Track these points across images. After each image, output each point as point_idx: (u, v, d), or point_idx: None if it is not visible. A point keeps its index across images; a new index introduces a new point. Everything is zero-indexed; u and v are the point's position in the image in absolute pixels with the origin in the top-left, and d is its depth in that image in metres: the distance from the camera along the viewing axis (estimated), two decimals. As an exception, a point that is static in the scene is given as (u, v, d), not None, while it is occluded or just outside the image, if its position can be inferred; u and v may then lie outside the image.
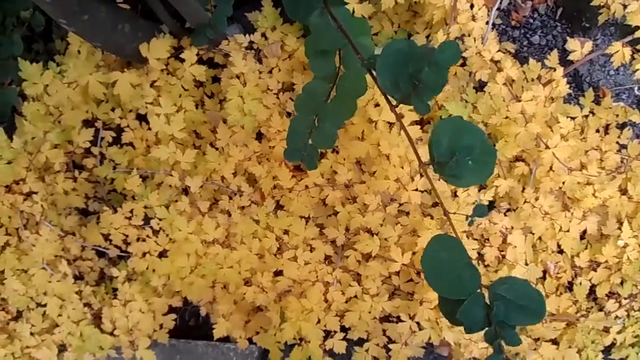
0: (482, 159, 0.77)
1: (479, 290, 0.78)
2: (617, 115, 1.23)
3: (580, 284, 1.19)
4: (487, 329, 0.77)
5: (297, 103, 0.91)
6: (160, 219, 1.21)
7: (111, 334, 1.27)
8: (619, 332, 1.19)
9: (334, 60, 0.87)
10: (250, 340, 1.24)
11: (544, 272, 1.20)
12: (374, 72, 0.78)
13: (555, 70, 1.17)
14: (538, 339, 1.17)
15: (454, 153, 0.76)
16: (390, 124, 1.14)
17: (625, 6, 1.15)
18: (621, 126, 1.25)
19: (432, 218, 1.14)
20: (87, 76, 1.21)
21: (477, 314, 0.77)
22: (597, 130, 1.21)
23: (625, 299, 1.20)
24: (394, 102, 0.80)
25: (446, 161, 0.76)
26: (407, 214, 1.17)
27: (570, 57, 1.21)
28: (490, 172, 0.80)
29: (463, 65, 1.23)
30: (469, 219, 0.87)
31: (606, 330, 1.19)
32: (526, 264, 1.16)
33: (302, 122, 0.91)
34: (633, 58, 1.16)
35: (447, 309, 0.80)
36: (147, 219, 1.23)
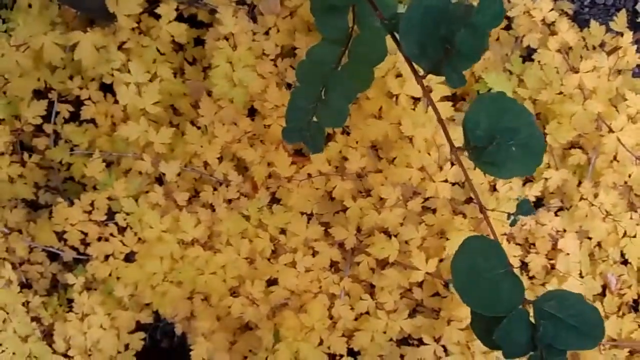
0: (528, 144, 0.79)
1: (521, 306, 0.79)
2: (700, 94, 1.25)
3: (649, 302, 1.22)
4: (531, 353, 0.79)
5: (299, 71, 0.94)
6: (127, 214, 1.24)
7: (65, 354, 1.30)
8: (695, 364, 1.22)
9: (346, 19, 0.90)
10: (236, 366, 1.28)
11: (604, 287, 1.23)
12: (396, 35, 0.80)
13: (622, 35, 1.20)
14: (595, 370, 1.20)
15: (493, 136, 0.77)
16: (415, 100, 1.17)
17: None
18: None
19: (464, 217, 1.16)
20: (40, 37, 1.23)
21: (520, 335, 0.78)
22: (675, 111, 1.23)
23: (703, 322, 1.22)
24: (421, 72, 0.83)
25: (484, 146, 0.78)
26: (434, 211, 1.19)
27: (641, 19, 1.24)
28: (539, 162, 0.81)
29: (508, 28, 1.26)
30: (511, 217, 0.89)
31: (680, 360, 1.22)
32: (581, 276, 1.19)
33: (305, 94, 0.93)
34: None
35: (481, 328, 0.81)
36: (111, 214, 1.26)
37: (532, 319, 0.79)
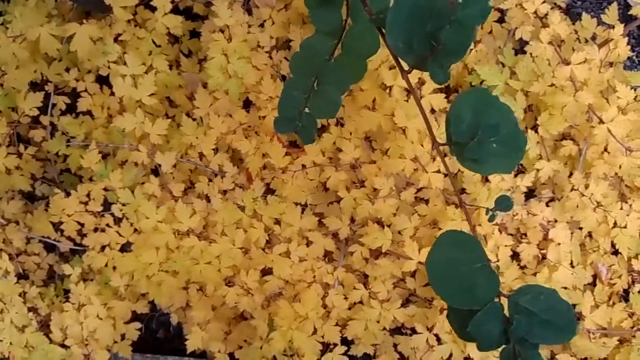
0: (510, 141, 0.80)
1: (496, 300, 0.81)
2: (691, 86, 1.27)
3: (639, 292, 1.24)
4: (504, 346, 0.80)
5: (293, 62, 0.95)
6: (123, 204, 1.25)
7: (62, 344, 1.32)
8: (684, 353, 1.24)
9: (340, 12, 0.92)
10: (231, 356, 1.29)
11: (594, 276, 1.25)
12: (383, 30, 0.82)
13: (613, 28, 1.21)
14: (585, 359, 1.22)
15: (475, 132, 0.79)
16: (408, 91, 1.19)
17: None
18: (695, 99, 1.29)
19: (456, 207, 1.18)
20: (37, 28, 1.24)
21: (493, 328, 0.80)
22: (665, 103, 1.25)
23: (694, 312, 1.24)
24: (407, 67, 0.84)
25: (466, 142, 0.79)
26: (427, 201, 1.21)
27: (633, 12, 1.25)
28: (519, 159, 0.83)
29: (501, 21, 1.27)
30: (490, 213, 0.91)
31: (669, 350, 1.24)
32: (572, 266, 1.20)
33: (299, 85, 0.95)
34: None
35: (457, 320, 0.83)
36: (107, 205, 1.27)
37: (506, 313, 0.80)
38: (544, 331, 0.79)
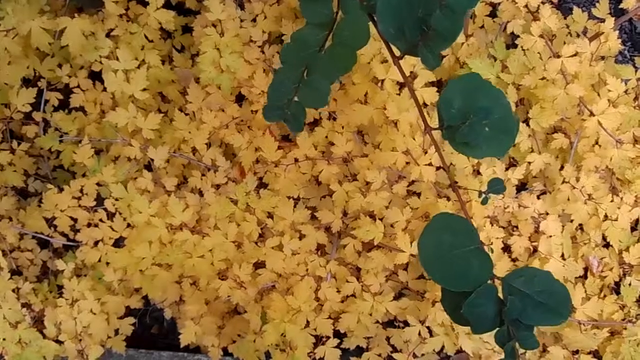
0: (501, 125, 0.81)
1: (490, 282, 0.82)
2: (681, 79, 1.28)
3: (630, 284, 1.24)
4: (498, 328, 0.81)
5: (283, 53, 0.96)
6: (116, 199, 1.26)
7: (56, 340, 1.32)
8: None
9: (330, 4, 0.92)
10: (225, 351, 1.30)
11: (585, 269, 1.26)
12: (375, 17, 0.82)
13: (604, 21, 1.22)
14: (577, 351, 1.23)
15: (467, 116, 0.80)
16: (400, 85, 1.20)
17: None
18: (685, 92, 1.30)
19: (448, 200, 1.19)
20: (28, 22, 1.24)
21: (487, 310, 0.80)
22: (655, 96, 1.26)
23: (684, 304, 1.25)
24: (398, 53, 0.85)
25: (457, 125, 0.80)
26: (418, 194, 1.22)
27: (623, 5, 1.26)
28: (511, 142, 0.84)
29: (493, 15, 1.28)
30: (483, 195, 0.91)
31: (660, 341, 1.25)
32: (563, 259, 1.21)
33: (289, 75, 0.95)
34: (701, 8, 1.22)
35: (451, 304, 0.83)
36: (100, 200, 1.28)
37: (500, 295, 0.81)
38: (538, 313, 0.80)
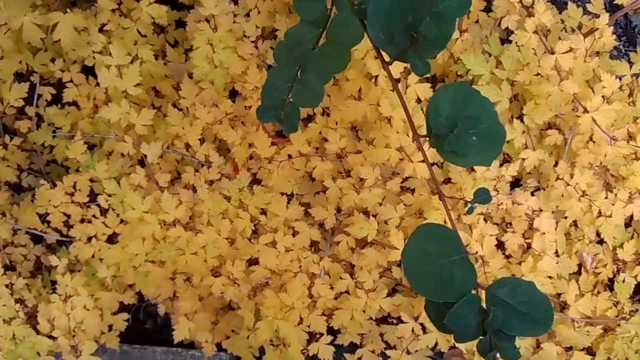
0: (489, 135, 0.81)
1: (473, 292, 0.81)
2: (676, 75, 1.28)
3: (623, 281, 1.25)
4: (481, 338, 0.81)
5: (277, 51, 0.95)
6: (109, 195, 1.26)
7: (49, 336, 1.32)
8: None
9: (325, 1, 0.92)
10: (218, 346, 1.30)
11: (579, 265, 1.26)
12: (365, 21, 0.82)
13: (599, 17, 1.22)
14: (570, 347, 1.23)
15: (455, 125, 0.80)
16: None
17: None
18: (680, 88, 1.30)
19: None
20: (20, 17, 1.24)
21: (470, 320, 0.80)
22: (650, 93, 1.26)
23: (678, 300, 1.26)
24: (388, 59, 0.84)
25: (445, 134, 0.80)
26: (412, 191, 1.22)
27: (619, 0, 1.26)
28: (498, 152, 0.84)
29: (487, 10, 1.28)
30: (468, 205, 0.91)
31: (653, 337, 1.25)
32: (557, 255, 1.21)
33: (282, 74, 0.95)
34: (697, 3, 1.21)
35: (434, 312, 0.83)
36: (93, 195, 1.28)
37: (484, 305, 0.81)
38: (520, 323, 0.80)
